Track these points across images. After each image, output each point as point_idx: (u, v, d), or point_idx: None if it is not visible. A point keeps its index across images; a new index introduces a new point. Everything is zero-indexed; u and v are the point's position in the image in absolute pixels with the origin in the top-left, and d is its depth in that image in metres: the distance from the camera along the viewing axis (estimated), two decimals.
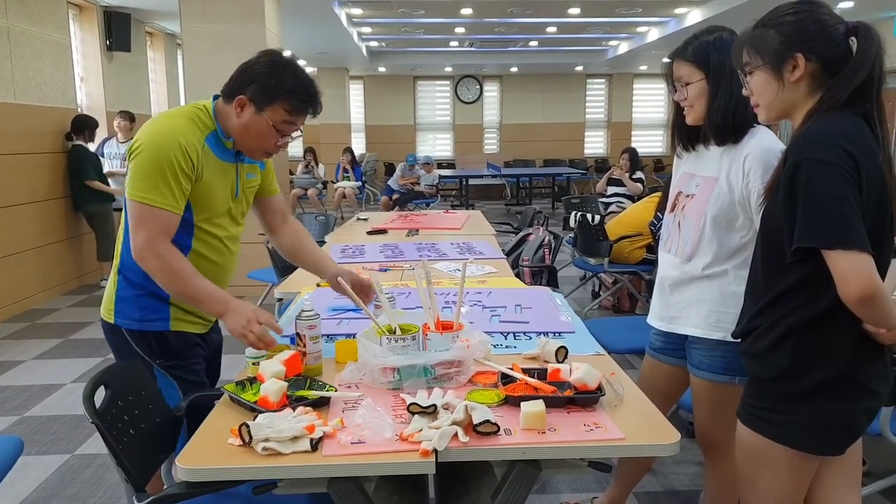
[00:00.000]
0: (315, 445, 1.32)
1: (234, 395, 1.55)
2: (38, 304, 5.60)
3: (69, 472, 2.89)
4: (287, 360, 1.62)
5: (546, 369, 1.64)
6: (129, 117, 6.43)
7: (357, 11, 8.90)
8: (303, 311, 1.78)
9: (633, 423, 1.42)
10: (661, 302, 1.97)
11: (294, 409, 1.46)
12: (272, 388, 1.48)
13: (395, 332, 1.69)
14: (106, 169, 6.31)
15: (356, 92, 14.62)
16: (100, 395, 1.58)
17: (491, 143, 15.21)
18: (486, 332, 1.80)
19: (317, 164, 10.57)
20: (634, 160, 6.86)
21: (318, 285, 2.55)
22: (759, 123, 1.72)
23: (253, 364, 1.69)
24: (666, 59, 1.89)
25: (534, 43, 11.76)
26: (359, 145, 14.29)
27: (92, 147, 6.20)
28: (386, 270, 3.09)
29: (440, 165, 13.16)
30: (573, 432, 1.37)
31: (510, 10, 8.76)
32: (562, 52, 12.82)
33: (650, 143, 15.09)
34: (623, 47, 11.89)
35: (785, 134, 7.85)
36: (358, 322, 2.10)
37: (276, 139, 1.81)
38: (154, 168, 1.69)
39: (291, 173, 9.86)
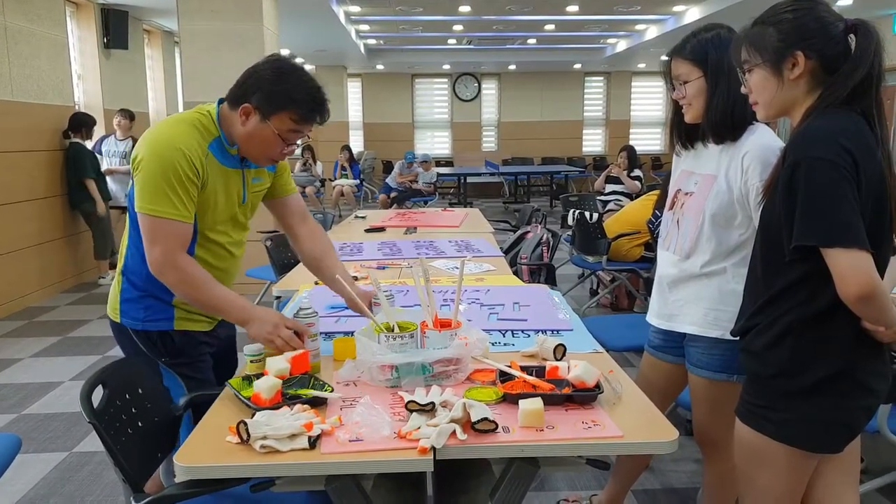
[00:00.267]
0: (313, 443, 1.32)
1: (234, 390, 1.55)
2: (36, 302, 5.59)
3: (67, 469, 2.88)
4: (295, 357, 1.62)
5: (544, 367, 1.63)
6: (129, 115, 6.43)
7: (355, 9, 8.88)
8: (301, 308, 1.78)
9: (631, 420, 1.42)
10: (659, 300, 1.97)
11: (292, 406, 1.45)
12: (264, 385, 1.48)
13: (393, 330, 1.69)
14: (105, 166, 6.30)
15: (354, 90, 14.60)
16: (98, 395, 1.58)
17: (489, 141, 15.21)
18: (484, 330, 1.80)
19: (315, 161, 10.55)
20: (633, 158, 6.87)
21: (317, 283, 2.55)
22: (757, 121, 1.72)
23: (251, 361, 1.69)
24: (664, 57, 1.88)
25: (532, 41, 11.76)
26: (357, 143, 14.27)
27: (89, 145, 6.19)
28: (384, 268, 3.09)
29: (438, 163, 13.13)
30: (571, 430, 1.37)
31: (508, 7, 8.75)
32: (560, 50, 12.82)
33: (648, 141, 15.09)
34: (621, 45, 11.89)
35: (784, 131, 7.86)
36: (356, 320, 2.10)
37: (282, 147, 1.78)
38: (160, 179, 1.66)
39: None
